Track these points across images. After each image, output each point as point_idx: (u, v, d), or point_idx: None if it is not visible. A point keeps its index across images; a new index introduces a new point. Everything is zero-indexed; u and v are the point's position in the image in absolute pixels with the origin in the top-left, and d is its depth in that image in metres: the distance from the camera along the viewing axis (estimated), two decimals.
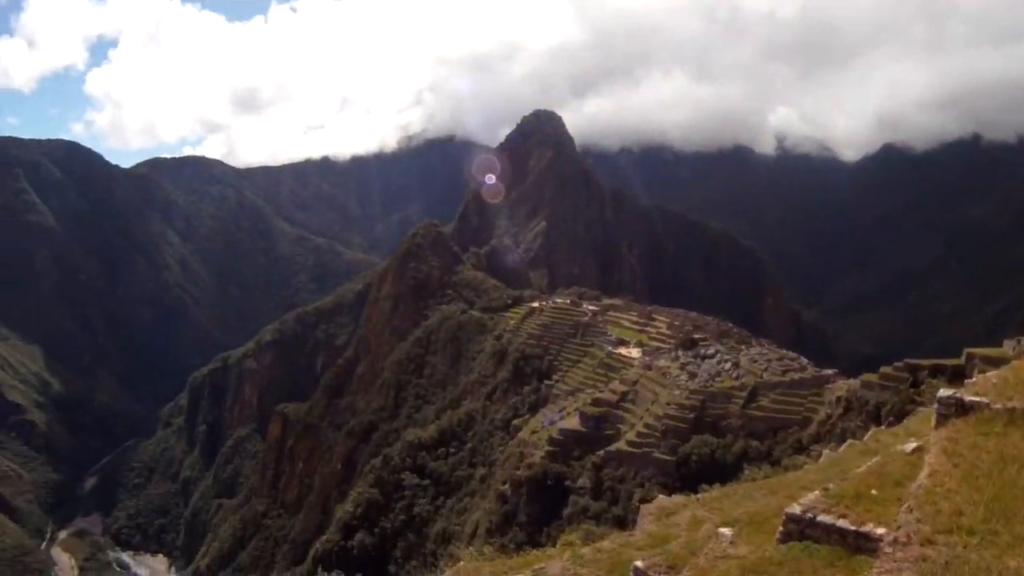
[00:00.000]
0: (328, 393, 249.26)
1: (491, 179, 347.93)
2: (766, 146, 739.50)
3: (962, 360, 45.84)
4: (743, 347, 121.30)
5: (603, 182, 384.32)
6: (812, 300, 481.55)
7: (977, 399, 16.13)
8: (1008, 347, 43.83)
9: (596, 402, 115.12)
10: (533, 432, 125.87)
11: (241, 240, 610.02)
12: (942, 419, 16.52)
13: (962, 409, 16.56)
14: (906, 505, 12.96)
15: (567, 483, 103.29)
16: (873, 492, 16.22)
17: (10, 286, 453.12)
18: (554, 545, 32.69)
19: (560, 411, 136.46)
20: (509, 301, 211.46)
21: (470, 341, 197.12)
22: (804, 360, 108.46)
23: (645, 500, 65.65)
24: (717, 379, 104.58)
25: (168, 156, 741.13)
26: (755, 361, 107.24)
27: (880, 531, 14.27)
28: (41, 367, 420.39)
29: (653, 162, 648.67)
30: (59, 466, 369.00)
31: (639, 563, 19.68)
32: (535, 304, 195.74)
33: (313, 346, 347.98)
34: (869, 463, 19.11)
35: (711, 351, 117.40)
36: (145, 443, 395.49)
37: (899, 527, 12.14)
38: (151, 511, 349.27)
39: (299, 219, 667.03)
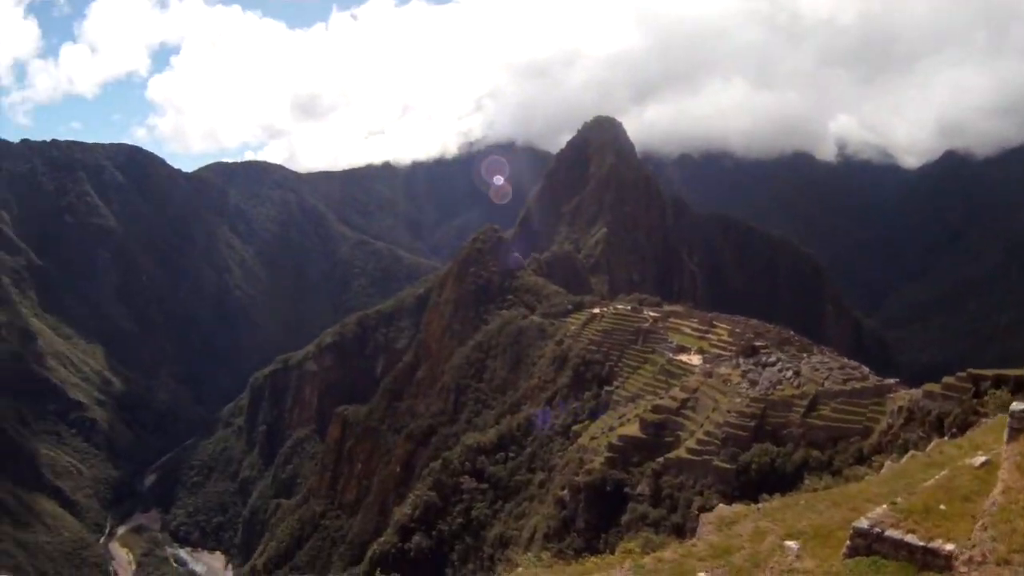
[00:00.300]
0: (388, 396, 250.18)
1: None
2: (826, 153, 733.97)
3: None
4: (804, 355, 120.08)
5: (663, 189, 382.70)
6: (872, 309, 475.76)
7: None
8: None
9: (656, 409, 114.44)
10: (593, 438, 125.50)
11: (301, 244, 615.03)
12: (1015, 433, 16.25)
13: None
14: (980, 523, 12.78)
15: (626, 490, 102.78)
16: (942, 507, 16.04)
17: (73, 287, 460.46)
18: (612, 552, 32.57)
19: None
20: (570, 306, 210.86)
21: (530, 346, 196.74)
22: (865, 369, 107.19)
23: (704, 508, 65.32)
24: (778, 387, 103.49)
25: (229, 161, 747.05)
26: (816, 369, 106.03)
27: (949, 547, 14.09)
28: (103, 366, 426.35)
29: (713, 169, 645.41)
30: (119, 463, 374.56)
31: (703, 575, 19.59)
32: (596, 310, 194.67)
33: (373, 349, 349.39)
34: (936, 477, 18.89)
35: (772, 359, 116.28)
36: (205, 442, 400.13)
37: (973, 545, 11.99)
38: (210, 509, 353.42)
39: (359, 224, 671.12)
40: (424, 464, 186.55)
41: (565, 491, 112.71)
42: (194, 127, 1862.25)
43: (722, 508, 32.32)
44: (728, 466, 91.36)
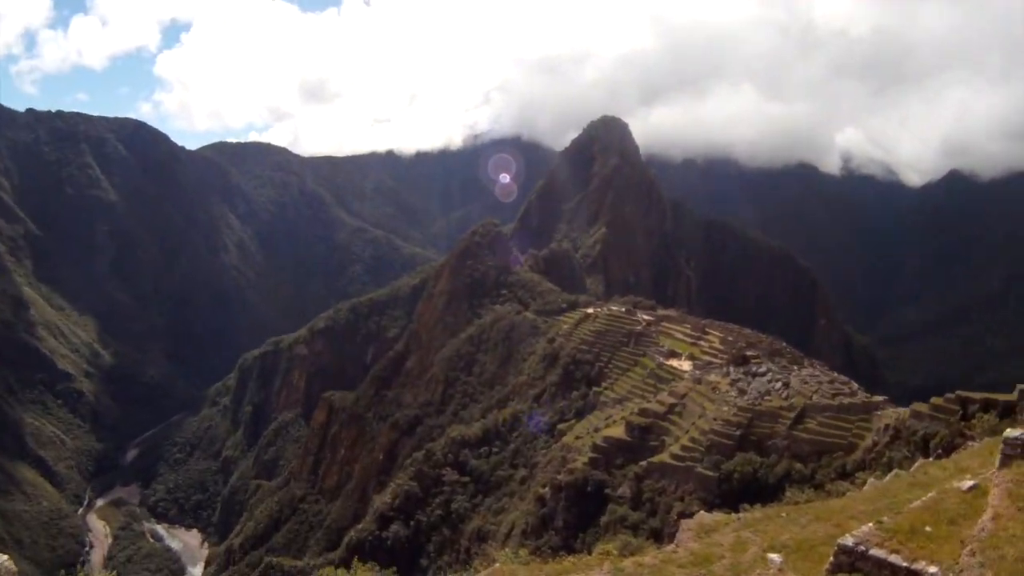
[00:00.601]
0: (376, 384, 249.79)
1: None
2: (831, 166, 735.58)
3: (1014, 396, 45.00)
4: (795, 367, 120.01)
5: (665, 192, 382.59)
6: (867, 326, 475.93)
7: None
8: None
9: (643, 412, 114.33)
10: (577, 437, 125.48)
11: (300, 227, 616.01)
12: (1007, 460, 15.98)
13: None
14: (968, 548, 12.48)
15: (607, 491, 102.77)
16: (927, 529, 15.80)
17: (69, 258, 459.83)
18: (590, 553, 32.27)
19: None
20: (564, 305, 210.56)
21: (522, 342, 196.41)
22: (855, 385, 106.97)
23: (685, 515, 65.01)
24: (766, 398, 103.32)
25: (234, 141, 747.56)
26: (806, 382, 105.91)
27: (933, 570, 13.82)
28: (93, 338, 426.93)
29: (717, 175, 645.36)
30: (103, 435, 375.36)
31: None
32: (590, 310, 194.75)
33: (365, 336, 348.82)
34: (923, 498, 18.57)
35: (762, 369, 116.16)
36: (190, 420, 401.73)
37: (961, 570, 11.67)
38: (189, 486, 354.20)
39: (359, 210, 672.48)
40: (407, 454, 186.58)
41: (546, 489, 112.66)
42: (200, 105, 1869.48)
43: (703, 515, 32.04)
44: (711, 473, 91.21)
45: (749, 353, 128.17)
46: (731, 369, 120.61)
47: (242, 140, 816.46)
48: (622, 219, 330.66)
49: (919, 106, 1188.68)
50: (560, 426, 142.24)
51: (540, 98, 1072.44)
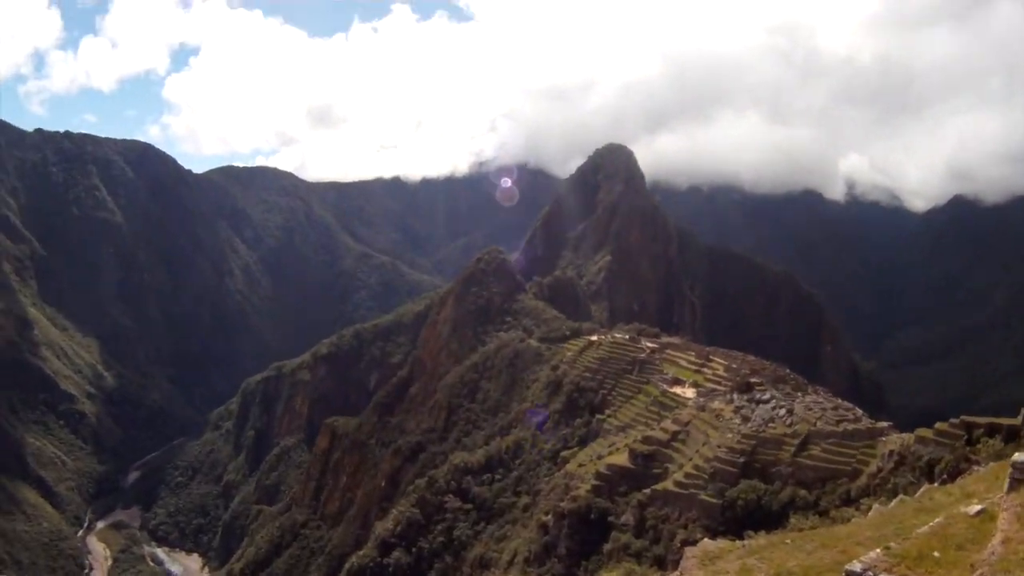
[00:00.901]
0: (379, 410, 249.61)
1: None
2: (835, 192, 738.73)
3: (1019, 420, 44.80)
4: (799, 394, 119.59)
5: (670, 219, 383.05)
6: (871, 350, 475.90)
7: None
8: None
9: (646, 440, 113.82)
10: (580, 465, 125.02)
11: (306, 252, 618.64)
12: (1015, 484, 15.73)
13: None
14: (979, 572, 12.23)
15: (610, 519, 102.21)
16: (936, 554, 15.60)
17: (74, 280, 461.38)
18: None
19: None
20: (568, 332, 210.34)
21: (526, 370, 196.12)
22: (859, 411, 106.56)
23: (688, 542, 64.52)
24: (770, 425, 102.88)
25: (241, 165, 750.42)
26: (810, 409, 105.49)
27: None
28: (96, 360, 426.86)
29: (722, 202, 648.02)
30: (104, 457, 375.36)
31: None
32: (594, 337, 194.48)
33: (368, 362, 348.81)
34: (931, 524, 18.32)
35: (766, 396, 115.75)
36: (192, 443, 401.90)
37: None
38: (191, 510, 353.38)
39: (365, 236, 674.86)
40: (410, 480, 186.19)
41: (549, 516, 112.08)
42: (208, 129, 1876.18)
43: (707, 543, 31.77)
44: (714, 501, 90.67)
45: (753, 380, 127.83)
46: (735, 396, 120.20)
47: (249, 164, 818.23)
48: (627, 246, 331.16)
49: (922, 132, 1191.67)
50: (563, 453, 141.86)
51: (545, 125, 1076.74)
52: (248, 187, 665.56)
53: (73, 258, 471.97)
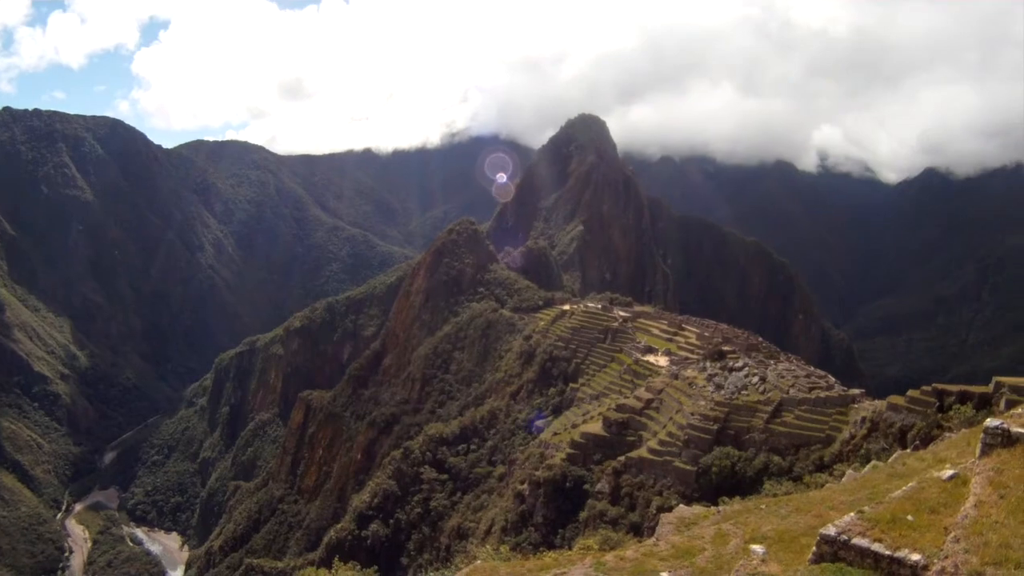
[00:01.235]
0: (353, 383, 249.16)
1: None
2: (808, 163, 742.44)
3: (990, 388, 45.30)
4: (771, 362, 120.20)
5: (642, 190, 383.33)
6: (844, 319, 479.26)
7: None
8: None
9: (620, 408, 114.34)
10: (555, 434, 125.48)
11: (277, 226, 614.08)
12: (988, 449, 16.05)
13: (1008, 440, 16.05)
14: (952, 535, 12.50)
15: (585, 487, 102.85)
16: (909, 518, 15.83)
17: (44, 259, 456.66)
18: (570, 548, 32.24)
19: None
20: (540, 302, 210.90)
21: (499, 340, 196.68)
22: (831, 378, 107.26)
23: (663, 509, 65.08)
24: (743, 392, 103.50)
25: (211, 139, 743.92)
26: (782, 376, 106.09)
27: (915, 557, 13.83)
28: (69, 340, 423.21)
29: (694, 172, 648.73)
30: (80, 439, 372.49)
31: (665, 574, 19.26)
32: (566, 307, 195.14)
33: (341, 335, 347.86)
34: (904, 488, 18.58)
35: (739, 364, 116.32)
36: (167, 421, 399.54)
37: (946, 556, 11.69)
38: (168, 489, 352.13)
39: (336, 209, 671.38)
40: (385, 453, 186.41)
41: (525, 485, 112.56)
42: (178, 103, 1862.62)
43: (682, 509, 32.08)
44: (689, 467, 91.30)
45: (726, 348, 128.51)
46: (708, 364, 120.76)
47: (220, 138, 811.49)
48: (599, 216, 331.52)
49: (896, 105, 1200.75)
50: (538, 422, 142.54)
51: (518, 96, 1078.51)
52: (218, 161, 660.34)
53: (43, 237, 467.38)
